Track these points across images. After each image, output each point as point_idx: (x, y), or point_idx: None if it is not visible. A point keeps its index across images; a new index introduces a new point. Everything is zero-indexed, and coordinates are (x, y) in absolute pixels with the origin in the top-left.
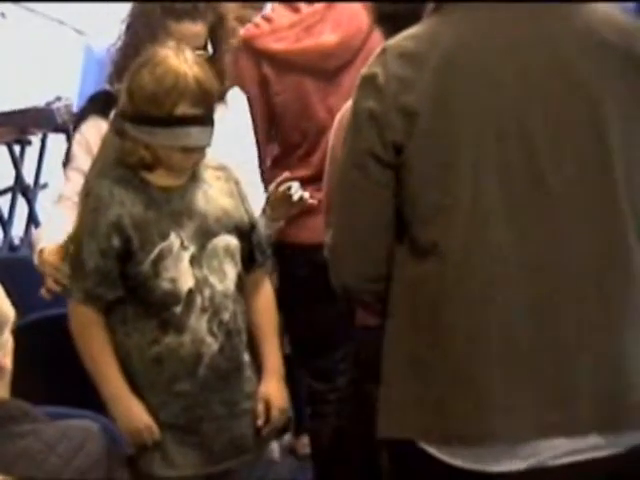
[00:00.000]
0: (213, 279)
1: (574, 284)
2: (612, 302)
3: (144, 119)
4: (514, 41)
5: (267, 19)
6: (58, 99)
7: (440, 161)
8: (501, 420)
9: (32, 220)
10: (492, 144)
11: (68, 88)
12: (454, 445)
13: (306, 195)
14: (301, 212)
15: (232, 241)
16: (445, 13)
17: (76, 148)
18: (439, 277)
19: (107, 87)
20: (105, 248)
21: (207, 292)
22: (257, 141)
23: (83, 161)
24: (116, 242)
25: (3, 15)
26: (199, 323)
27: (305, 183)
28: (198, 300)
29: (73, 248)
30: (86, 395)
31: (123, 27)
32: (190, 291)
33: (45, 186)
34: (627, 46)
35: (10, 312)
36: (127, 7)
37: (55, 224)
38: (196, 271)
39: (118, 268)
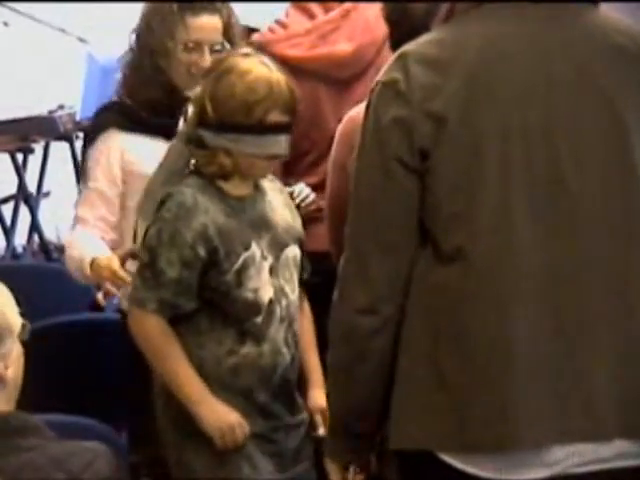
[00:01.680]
0: (287, 289)
1: (598, 289)
2: (637, 307)
3: (231, 127)
4: (539, 48)
5: (282, 25)
6: (61, 107)
7: (466, 167)
8: (524, 427)
9: (34, 228)
10: (517, 151)
11: (71, 96)
12: (475, 454)
13: (312, 196)
14: (308, 220)
15: (298, 252)
16: (463, 19)
17: (93, 166)
18: (463, 283)
19: (115, 98)
20: (190, 258)
21: (284, 302)
22: None
23: (102, 182)
24: (202, 252)
25: (6, 24)
26: (278, 333)
27: (313, 190)
28: (277, 310)
29: (147, 257)
30: (88, 402)
31: (133, 36)
32: (270, 301)
33: (47, 194)
34: (638, 50)
35: (15, 322)
36: (130, 16)
37: (91, 246)
38: (274, 281)
39: (198, 278)
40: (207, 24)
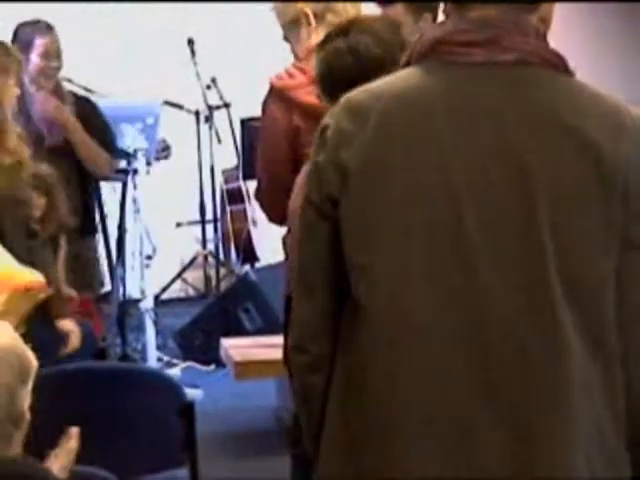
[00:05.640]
0: None
1: (496, 347)
2: (536, 361)
3: None
4: (452, 107)
5: (301, 70)
6: None
7: (365, 221)
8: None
9: None
10: (420, 209)
11: None
12: None
13: None
14: None
15: None
16: (406, 70)
17: None
18: (363, 334)
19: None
20: None
21: None
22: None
23: None
24: None
25: None
26: None
27: None
28: None
29: None
30: (93, 452)
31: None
32: None
33: None
34: (580, 127)
35: (33, 360)
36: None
37: None
38: None
39: None
40: None
